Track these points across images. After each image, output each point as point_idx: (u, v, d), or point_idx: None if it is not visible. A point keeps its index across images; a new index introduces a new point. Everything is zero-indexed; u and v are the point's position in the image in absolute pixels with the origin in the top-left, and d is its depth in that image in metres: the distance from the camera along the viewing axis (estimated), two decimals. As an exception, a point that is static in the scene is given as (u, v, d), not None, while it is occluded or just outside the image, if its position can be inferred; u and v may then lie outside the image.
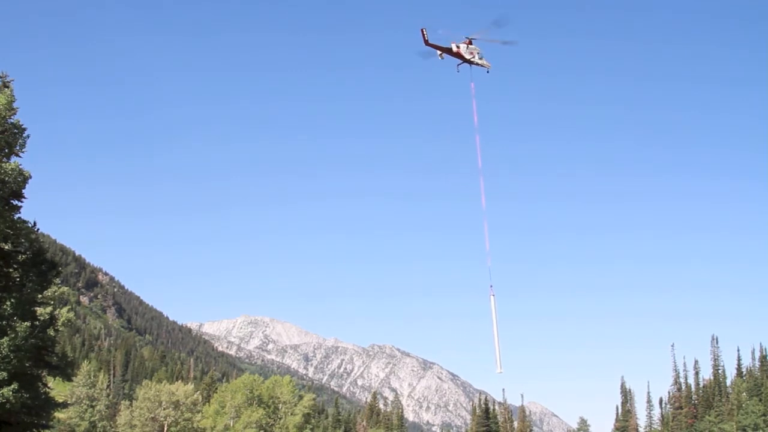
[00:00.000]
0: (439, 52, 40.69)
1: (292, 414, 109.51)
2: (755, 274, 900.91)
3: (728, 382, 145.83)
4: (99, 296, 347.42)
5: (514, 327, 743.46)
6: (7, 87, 37.49)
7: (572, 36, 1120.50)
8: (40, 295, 38.48)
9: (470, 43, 41.06)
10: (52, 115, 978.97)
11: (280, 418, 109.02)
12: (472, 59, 41.02)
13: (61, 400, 50.95)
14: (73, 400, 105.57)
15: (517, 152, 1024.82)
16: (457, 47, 40.75)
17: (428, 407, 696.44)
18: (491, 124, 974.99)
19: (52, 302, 40.59)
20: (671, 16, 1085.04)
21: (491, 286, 37.69)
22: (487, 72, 41.90)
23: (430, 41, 40.01)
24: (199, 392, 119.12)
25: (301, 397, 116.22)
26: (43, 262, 39.10)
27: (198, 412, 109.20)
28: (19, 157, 37.75)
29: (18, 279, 37.70)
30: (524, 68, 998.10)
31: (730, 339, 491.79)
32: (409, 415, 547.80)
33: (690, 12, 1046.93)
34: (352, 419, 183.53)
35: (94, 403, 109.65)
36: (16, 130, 37.32)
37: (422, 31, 39.72)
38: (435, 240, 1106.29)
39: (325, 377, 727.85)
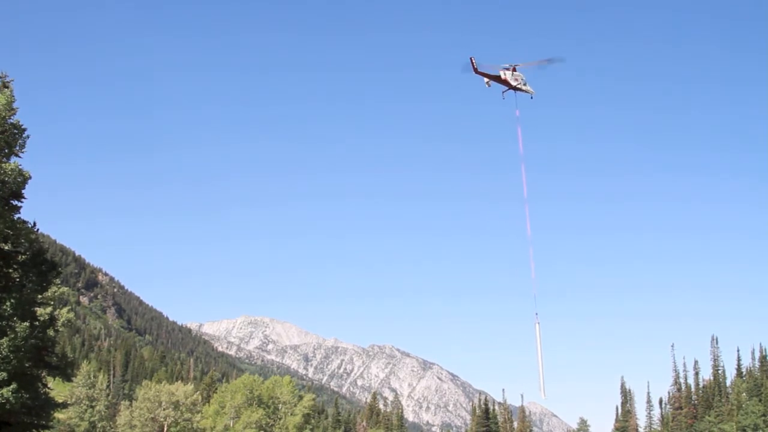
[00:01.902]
0: (486, 80, 40.32)
1: (292, 414, 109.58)
2: (755, 274, 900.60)
3: (728, 383, 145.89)
4: (99, 296, 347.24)
5: (513, 327, 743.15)
6: (7, 87, 37.48)
7: (571, 36, 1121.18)
8: (40, 296, 38.44)
9: (514, 69, 40.83)
10: (52, 115, 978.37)
11: (280, 419, 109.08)
12: (517, 86, 40.73)
13: (61, 401, 50.95)
14: (73, 400, 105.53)
15: (514, 152, 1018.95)
16: (504, 74, 40.47)
17: (428, 407, 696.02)
18: (493, 125, 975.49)
19: (52, 302, 40.54)
20: (671, 16, 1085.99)
21: (536, 314, 35.96)
22: (531, 98, 41.38)
23: (479, 69, 39.74)
24: (198, 392, 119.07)
25: (301, 398, 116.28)
26: (43, 263, 39.04)
27: (198, 412, 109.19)
28: (19, 157, 37.78)
29: (18, 279, 37.65)
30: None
31: (730, 339, 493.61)
32: (409, 416, 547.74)
33: (690, 12, 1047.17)
34: (352, 419, 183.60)
35: (93, 404, 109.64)
36: (16, 130, 37.30)
37: (471, 59, 39.57)
38: (435, 240, 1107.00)
39: (325, 377, 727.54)
